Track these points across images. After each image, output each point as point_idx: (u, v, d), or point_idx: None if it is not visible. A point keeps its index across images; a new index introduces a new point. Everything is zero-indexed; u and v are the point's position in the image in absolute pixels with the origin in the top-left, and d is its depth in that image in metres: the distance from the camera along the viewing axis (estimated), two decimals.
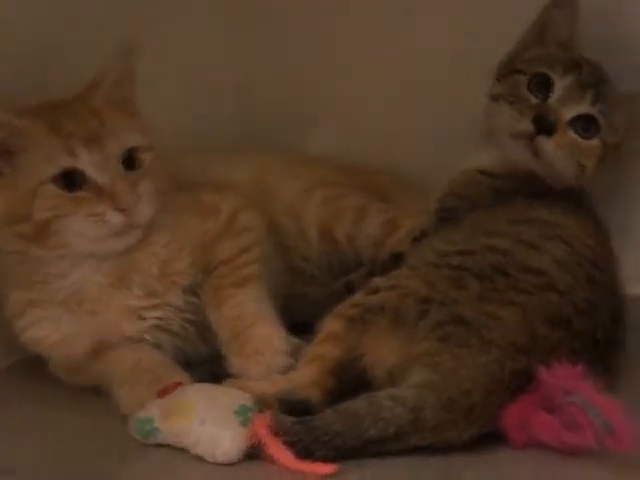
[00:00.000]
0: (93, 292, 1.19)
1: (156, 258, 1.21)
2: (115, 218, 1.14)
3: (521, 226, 1.15)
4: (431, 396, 0.99)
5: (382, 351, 1.06)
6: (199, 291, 1.24)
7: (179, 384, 1.10)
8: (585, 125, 1.21)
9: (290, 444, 0.98)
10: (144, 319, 1.21)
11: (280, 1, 1.61)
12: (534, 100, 1.22)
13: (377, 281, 1.13)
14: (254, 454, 1.00)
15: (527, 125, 1.20)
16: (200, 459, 1.02)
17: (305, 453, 0.97)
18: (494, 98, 1.27)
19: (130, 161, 1.17)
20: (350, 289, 1.23)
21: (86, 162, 1.13)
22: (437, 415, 0.99)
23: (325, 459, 0.97)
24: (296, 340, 1.18)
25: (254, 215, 1.30)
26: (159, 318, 1.22)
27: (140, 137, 1.19)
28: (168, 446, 1.05)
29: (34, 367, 1.27)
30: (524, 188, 1.22)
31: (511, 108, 1.23)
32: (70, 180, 1.13)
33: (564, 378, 1.01)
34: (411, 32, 1.49)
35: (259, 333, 1.17)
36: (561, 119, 1.20)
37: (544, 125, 1.19)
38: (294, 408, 1.04)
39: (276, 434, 0.98)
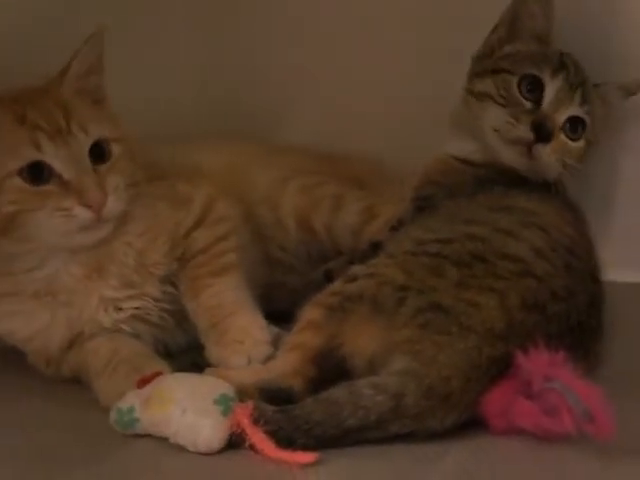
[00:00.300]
0: (67, 283, 1.18)
1: (131, 248, 1.20)
2: (83, 214, 1.12)
3: (499, 214, 1.15)
4: (412, 383, 1.00)
5: (361, 339, 1.06)
6: (176, 280, 1.23)
7: (158, 374, 1.09)
8: (574, 127, 1.22)
9: (271, 433, 0.98)
10: (121, 310, 1.20)
11: None
12: (527, 104, 1.22)
13: (355, 269, 1.13)
14: (235, 443, 1.00)
15: (526, 133, 1.20)
16: (182, 449, 1.02)
17: (286, 442, 0.98)
18: (478, 97, 1.26)
19: (99, 153, 1.15)
20: (329, 277, 1.23)
21: (52, 156, 1.11)
22: (418, 402, 0.99)
23: (306, 448, 0.98)
24: (276, 329, 1.18)
25: (229, 204, 1.30)
26: (137, 308, 1.21)
27: (109, 128, 1.17)
28: (149, 436, 1.05)
29: (12, 358, 1.26)
30: (503, 177, 1.22)
31: (505, 112, 1.22)
32: (36, 173, 1.11)
33: (544, 364, 1.01)
34: (396, 14, 1.49)
35: (238, 322, 1.17)
36: (556, 125, 1.21)
37: (543, 133, 1.20)
38: (276, 397, 1.04)
39: (257, 423, 0.98)
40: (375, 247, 1.24)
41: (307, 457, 0.97)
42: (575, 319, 1.08)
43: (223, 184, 1.33)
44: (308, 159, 1.48)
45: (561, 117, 1.21)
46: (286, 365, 1.08)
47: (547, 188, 1.22)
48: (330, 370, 1.06)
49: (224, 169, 1.39)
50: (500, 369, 1.03)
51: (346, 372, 1.06)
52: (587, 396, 0.98)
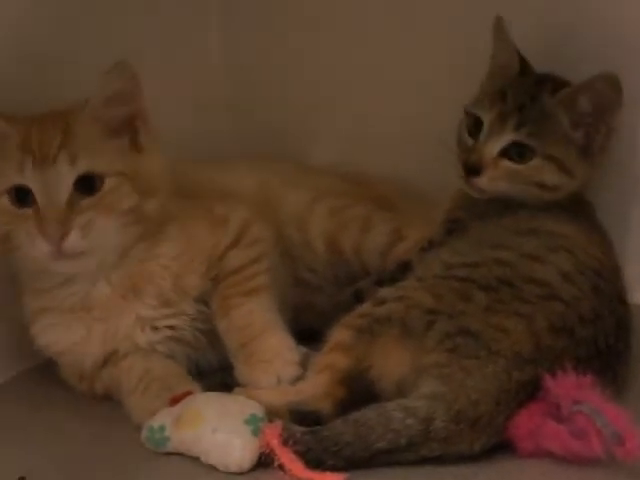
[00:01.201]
0: (101, 301, 1.20)
1: (168, 271, 1.21)
2: (40, 244, 1.12)
3: (525, 237, 1.16)
4: (441, 407, 1.00)
5: (390, 362, 1.07)
6: (208, 300, 1.24)
7: (189, 393, 1.10)
8: (518, 150, 1.22)
9: (300, 454, 0.99)
10: (157, 329, 1.22)
11: (276, 14, 1.62)
12: (469, 141, 1.25)
13: (384, 292, 1.14)
14: (265, 463, 1.01)
15: (460, 170, 1.24)
16: (212, 468, 1.03)
17: (315, 463, 0.98)
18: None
19: (87, 185, 1.14)
20: (359, 298, 1.23)
21: (32, 181, 1.12)
22: (447, 426, 1.00)
23: (335, 469, 0.98)
24: (304, 349, 1.19)
25: (263, 227, 1.30)
26: (172, 327, 1.22)
27: (110, 161, 1.15)
28: (180, 455, 1.06)
29: (48, 373, 1.28)
30: (524, 200, 1.23)
31: (457, 152, 1.27)
32: (21, 196, 1.13)
33: (572, 387, 1.02)
34: (413, 37, 1.50)
35: (268, 342, 1.18)
36: (485, 156, 1.23)
37: (470, 169, 1.23)
38: (305, 419, 1.05)
39: (286, 443, 0.99)
40: (404, 267, 1.25)
41: (336, 478, 0.98)
42: (603, 342, 1.09)
43: (254, 205, 1.34)
44: (336, 179, 1.49)
45: (494, 147, 1.23)
46: (316, 387, 1.09)
47: (573, 209, 1.23)
48: (359, 392, 1.07)
49: (255, 190, 1.39)
50: (529, 393, 1.03)
51: (375, 394, 1.06)
52: (616, 419, 0.99)
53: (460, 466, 1.01)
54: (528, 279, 1.09)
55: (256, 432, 1.02)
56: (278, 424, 1.01)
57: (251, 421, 1.03)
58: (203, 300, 1.24)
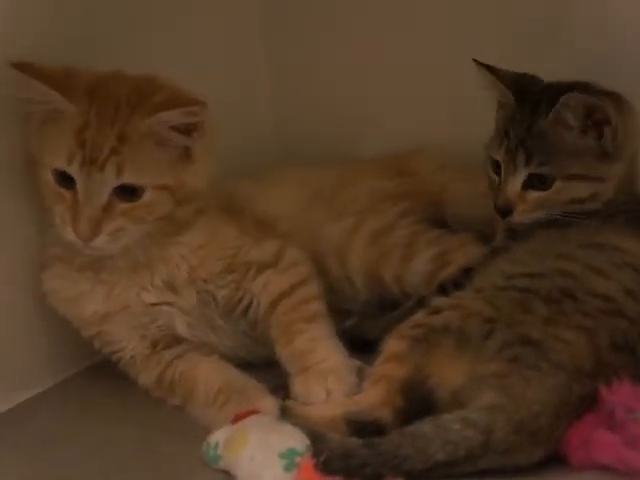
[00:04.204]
0: (112, 268, 1.22)
1: (185, 260, 1.23)
2: (70, 235, 1.17)
3: (590, 251, 1.15)
4: (501, 418, 0.99)
5: (447, 372, 1.05)
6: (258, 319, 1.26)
7: (254, 412, 1.09)
8: (538, 179, 1.23)
9: (358, 468, 0.97)
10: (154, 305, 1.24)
11: (322, 29, 1.62)
12: (497, 180, 1.27)
13: (439, 301, 1.14)
14: None
15: (495, 212, 1.26)
16: None
17: (373, 477, 0.97)
18: None
19: (128, 191, 1.16)
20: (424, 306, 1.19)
21: (77, 176, 1.15)
22: (507, 438, 0.98)
23: None
24: (358, 362, 1.18)
25: (299, 251, 1.30)
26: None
27: (157, 177, 1.17)
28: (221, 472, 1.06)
29: (94, 379, 1.31)
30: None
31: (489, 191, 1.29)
32: (63, 177, 1.16)
33: (627, 396, 1.01)
34: (459, 33, 1.49)
35: (327, 363, 1.18)
36: (510, 195, 1.24)
37: (502, 212, 1.26)
38: (364, 429, 1.03)
39: (326, 471, 0.97)
40: (468, 273, 1.24)
41: None
42: None
43: (291, 232, 1.34)
44: (376, 181, 1.46)
45: (514, 187, 1.24)
46: (373, 397, 1.07)
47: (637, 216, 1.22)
48: (418, 402, 1.06)
49: (291, 220, 1.37)
50: (587, 407, 1.02)
51: (434, 404, 1.05)
52: None
53: (509, 478, 1.00)
54: (592, 293, 1.08)
55: (289, 467, 0.99)
56: (308, 457, 0.99)
57: (287, 455, 1.00)
58: (205, 300, 1.25)
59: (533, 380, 1.01)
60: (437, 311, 1.11)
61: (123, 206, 1.16)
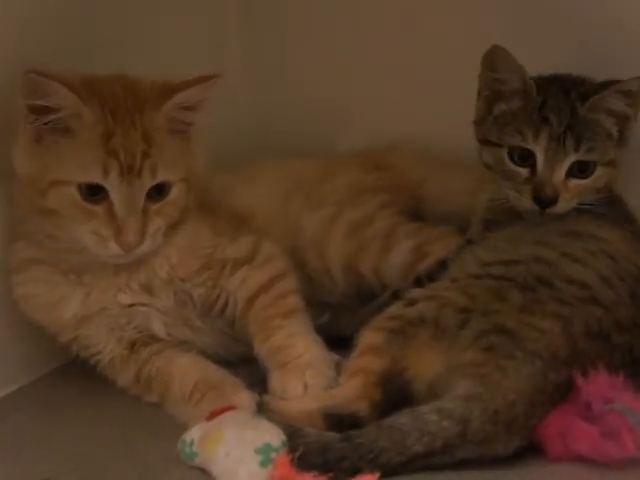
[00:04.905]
0: (96, 269, 1.20)
1: (167, 262, 1.22)
2: (114, 249, 1.15)
3: (568, 238, 1.15)
4: (477, 408, 0.99)
5: (424, 363, 1.05)
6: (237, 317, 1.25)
7: (230, 408, 1.09)
8: (581, 167, 1.20)
9: (335, 462, 0.97)
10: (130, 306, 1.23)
11: (295, 14, 1.62)
12: (524, 172, 1.21)
13: (415, 292, 1.13)
14: None
15: (532, 205, 1.21)
16: None
17: (351, 471, 0.96)
18: (486, 166, 1.26)
19: (157, 191, 1.17)
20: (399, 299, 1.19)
21: (114, 188, 1.13)
22: (483, 427, 0.98)
23: None
24: (336, 356, 1.18)
25: (274, 245, 1.29)
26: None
27: (178, 168, 1.18)
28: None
29: (68, 376, 1.30)
30: None
31: (507, 186, 1.23)
32: (93, 192, 1.14)
33: (604, 386, 1.00)
34: (438, 29, 1.49)
35: (305, 357, 1.18)
36: (557, 185, 1.20)
37: (545, 202, 1.20)
38: (342, 423, 1.03)
39: (302, 467, 0.96)
40: (443, 265, 1.24)
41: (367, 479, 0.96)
42: (639, 350, 1.07)
43: (269, 225, 1.34)
44: (355, 174, 1.45)
45: (559, 174, 1.20)
46: (350, 390, 1.07)
47: (614, 212, 1.21)
48: (395, 394, 1.05)
49: (270, 213, 1.37)
50: (563, 394, 1.02)
51: (411, 396, 1.05)
52: None
53: (484, 470, 1.00)
54: (568, 279, 1.08)
55: (265, 462, 0.98)
56: (284, 453, 0.98)
57: (262, 450, 0.99)
58: (182, 300, 1.24)
59: (509, 369, 1.01)
60: (412, 303, 1.11)
61: (155, 206, 1.17)
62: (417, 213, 1.44)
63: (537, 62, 1.24)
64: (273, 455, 0.99)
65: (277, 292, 1.24)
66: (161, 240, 1.19)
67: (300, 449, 0.98)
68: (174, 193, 1.18)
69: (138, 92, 1.18)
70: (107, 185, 1.13)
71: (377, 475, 0.96)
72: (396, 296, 1.21)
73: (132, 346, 1.25)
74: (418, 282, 1.24)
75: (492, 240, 1.20)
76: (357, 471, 0.96)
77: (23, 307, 1.24)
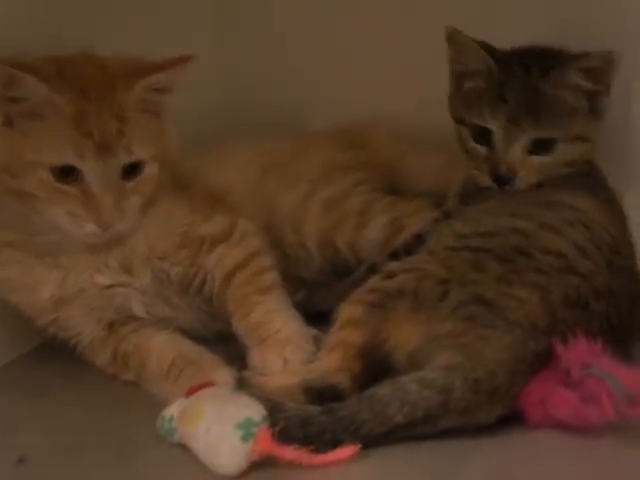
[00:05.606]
0: (71, 251, 1.19)
1: (144, 242, 1.21)
2: (90, 228, 1.14)
3: (544, 209, 1.15)
4: (459, 377, 0.99)
5: (404, 334, 1.05)
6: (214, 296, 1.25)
7: (209, 384, 1.08)
8: (541, 144, 1.20)
9: (317, 435, 0.97)
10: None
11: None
12: (483, 150, 1.22)
13: (393, 265, 1.13)
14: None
15: (490, 183, 1.21)
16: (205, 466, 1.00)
17: (333, 443, 0.96)
18: (458, 142, 1.27)
19: (131, 169, 1.16)
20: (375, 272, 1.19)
21: (89, 167, 1.12)
22: (465, 397, 0.98)
23: None
24: (314, 331, 1.18)
25: (249, 223, 1.29)
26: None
27: (152, 146, 1.17)
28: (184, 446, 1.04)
29: (46, 358, 1.29)
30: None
31: (471, 163, 1.24)
32: (67, 173, 1.13)
33: (582, 352, 1.01)
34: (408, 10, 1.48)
35: (283, 333, 1.17)
36: (514, 163, 1.20)
37: (502, 180, 1.20)
38: (322, 396, 1.03)
39: (282, 440, 0.96)
40: (419, 239, 1.23)
41: (348, 451, 0.96)
42: (616, 318, 1.08)
43: (244, 203, 1.34)
44: (329, 151, 1.45)
45: (516, 152, 1.19)
46: (330, 363, 1.07)
47: (591, 182, 1.21)
48: (376, 366, 1.05)
49: (245, 192, 1.37)
50: (543, 363, 1.02)
51: (392, 368, 1.04)
52: (628, 380, 0.98)
53: (462, 439, 1.00)
54: (545, 250, 1.08)
55: (246, 437, 0.97)
56: (265, 426, 0.98)
57: (243, 425, 0.98)
58: (160, 279, 1.24)
59: (490, 338, 1.01)
60: (391, 275, 1.10)
61: (130, 184, 1.16)
62: (393, 191, 1.44)
63: (518, 36, 1.24)
64: (254, 430, 0.98)
65: (254, 269, 1.24)
66: (137, 218, 1.18)
67: (281, 423, 0.97)
68: (148, 170, 1.18)
69: (109, 71, 1.17)
70: (82, 166, 1.12)
71: (358, 446, 0.96)
72: (372, 270, 1.21)
73: (110, 327, 1.24)
74: (395, 256, 1.23)
75: (469, 213, 1.20)
76: (338, 443, 0.96)
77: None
